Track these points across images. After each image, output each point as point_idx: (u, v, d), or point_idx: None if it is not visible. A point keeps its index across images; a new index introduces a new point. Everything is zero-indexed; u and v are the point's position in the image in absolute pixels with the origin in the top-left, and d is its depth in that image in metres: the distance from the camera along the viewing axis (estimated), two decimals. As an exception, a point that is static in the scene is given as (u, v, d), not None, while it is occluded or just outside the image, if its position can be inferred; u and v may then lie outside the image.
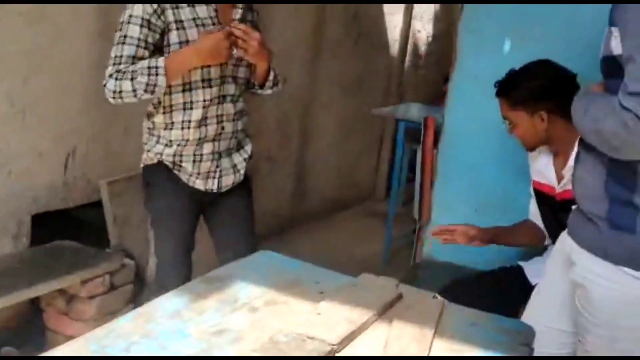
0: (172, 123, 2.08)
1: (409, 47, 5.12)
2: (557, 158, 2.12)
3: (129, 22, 1.94)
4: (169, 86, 2.01)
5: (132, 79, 1.91)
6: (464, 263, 2.57)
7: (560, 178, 2.09)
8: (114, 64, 1.94)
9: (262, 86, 2.22)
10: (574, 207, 1.64)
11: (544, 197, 2.18)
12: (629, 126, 1.29)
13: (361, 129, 4.88)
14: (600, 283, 1.47)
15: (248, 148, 2.29)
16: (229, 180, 2.22)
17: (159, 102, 2.07)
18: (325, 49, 4.36)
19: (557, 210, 2.09)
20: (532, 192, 2.24)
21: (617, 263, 1.44)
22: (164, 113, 2.08)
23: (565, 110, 1.62)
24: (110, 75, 1.94)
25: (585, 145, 1.52)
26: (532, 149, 2.14)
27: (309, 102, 4.36)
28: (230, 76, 2.11)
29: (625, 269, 1.43)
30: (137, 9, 1.95)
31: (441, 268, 2.60)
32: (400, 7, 4.91)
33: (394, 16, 4.90)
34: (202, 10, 2.02)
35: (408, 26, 4.96)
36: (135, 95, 1.94)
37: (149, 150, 2.15)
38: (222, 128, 2.14)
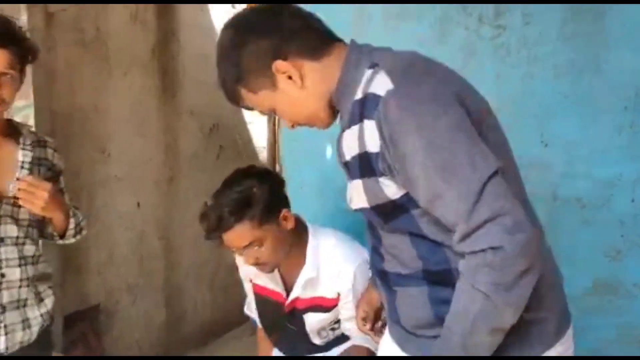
0: None
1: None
2: (285, 265, 2.04)
3: None
4: None
5: None
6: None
7: (289, 287, 2.06)
8: None
9: (62, 236, 2.00)
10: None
11: (269, 304, 2.12)
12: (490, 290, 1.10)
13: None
14: None
15: (49, 301, 1.99)
16: (16, 338, 1.90)
17: None
18: (184, 165, 4.18)
19: (285, 320, 2.07)
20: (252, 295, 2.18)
21: None
22: None
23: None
24: None
25: None
26: (273, 269, 2.00)
27: (171, 220, 4.11)
28: (8, 216, 1.85)
29: None
30: None
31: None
32: (262, 116, 4.84)
33: (255, 125, 4.83)
34: None
35: (273, 132, 4.88)
36: None
37: None
38: (2, 275, 1.85)
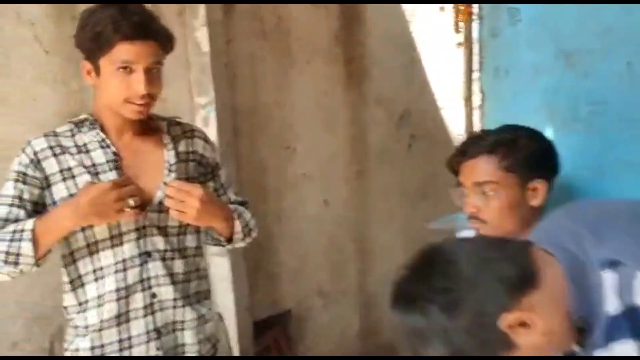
0: (86, 302, 1.58)
1: (477, 140, 4.48)
2: None
3: (7, 179, 1.55)
4: (71, 252, 1.56)
5: None
6: None
7: None
8: None
9: (229, 240, 1.71)
10: None
11: None
12: None
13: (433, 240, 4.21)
14: None
15: (210, 326, 1.71)
16: None
17: (68, 278, 1.59)
18: (373, 158, 3.83)
19: None
20: None
21: None
22: (73, 290, 1.59)
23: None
24: None
25: None
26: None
27: (362, 221, 3.79)
28: (154, 226, 1.60)
29: None
30: (16, 161, 1.56)
31: None
32: (458, 99, 4.33)
33: (449, 110, 4.33)
34: (98, 155, 1.58)
35: (470, 118, 4.35)
36: (0, 270, 1.49)
37: (66, 349, 1.64)
38: (153, 296, 1.60)
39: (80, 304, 1.58)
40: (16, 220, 1.51)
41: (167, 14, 2.68)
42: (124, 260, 1.57)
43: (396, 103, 4.01)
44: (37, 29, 2.22)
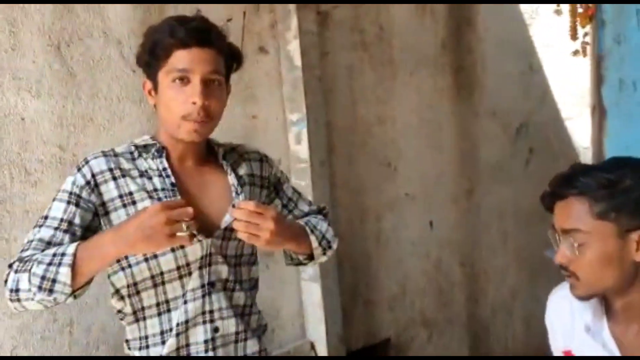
0: (147, 337, 1.45)
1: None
2: (616, 319, 1.35)
3: (54, 199, 1.42)
4: (134, 283, 1.43)
5: (30, 270, 1.30)
6: None
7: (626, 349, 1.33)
8: (22, 250, 1.37)
9: (310, 257, 1.57)
10: None
11: None
12: None
13: (552, 267, 3.81)
14: None
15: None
16: None
17: (131, 309, 1.46)
18: (485, 176, 3.53)
19: None
20: None
21: None
22: (136, 321, 1.46)
23: None
24: (11, 265, 1.34)
25: None
26: (588, 296, 1.33)
27: (472, 243, 3.49)
28: (218, 254, 1.45)
29: None
30: (69, 181, 1.42)
31: None
32: (584, 109, 3.91)
33: (574, 121, 3.92)
34: (159, 181, 1.44)
35: (599, 129, 3.90)
36: (33, 297, 1.30)
37: None
38: (216, 330, 1.46)
39: (141, 338, 1.46)
40: (61, 244, 1.36)
41: (258, 26, 2.57)
42: (188, 292, 1.44)
43: (512, 115, 3.68)
44: (123, 48, 2.18)
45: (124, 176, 1.42)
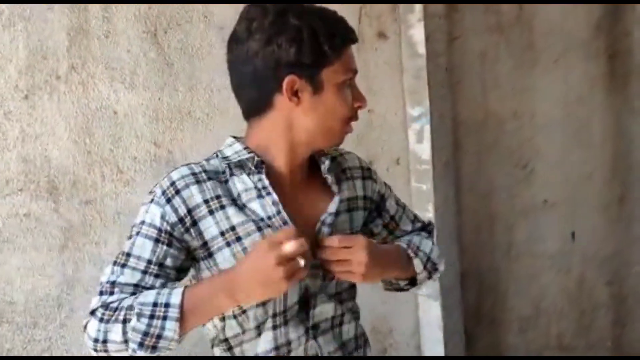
0: None
1: None
2: None
3: (137, 232, 1.16)
4: (225, 339, 1.20)
5: (124, 322, 1.09)
6: None
7: None
8: (102, 293, 1.15)
9: (412, 282, 1.36)
10: None
11: None
12: None
13: None
14: None
15: None
16: None
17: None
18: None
19: None
20: None
21: None
22: None
23: None
24: (94, 312, 1.13)
25: None
26: None
27: (622, 259, 3.00)
28: (321, 292, 1.22)
29: None
30: (155, 210, 1.14)
31: None
32: None
33: None
34: (260, 205, 1.17)
35: None
36: (127, 349, 1.10)
37: None
38: None
39: None
40: (150, 288, 1.15)
41: (378, 8, 2.27)
42: (288, 343, 1.20)
43: (678, 109, 3.11)
44: (226, 33, 1.96)
45: (222, 207, 1.16)
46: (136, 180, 1.87)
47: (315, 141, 1.19)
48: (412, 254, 1.30)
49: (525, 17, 2.63)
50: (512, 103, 2.62)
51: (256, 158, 1.17)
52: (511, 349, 2.67)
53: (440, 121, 2.33)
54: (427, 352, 2.42)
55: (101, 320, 1.11)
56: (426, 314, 2.39)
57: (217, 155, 1.23)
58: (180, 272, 1.18)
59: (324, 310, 1.22)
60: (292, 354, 1.20)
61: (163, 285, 1.14)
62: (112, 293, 1.14)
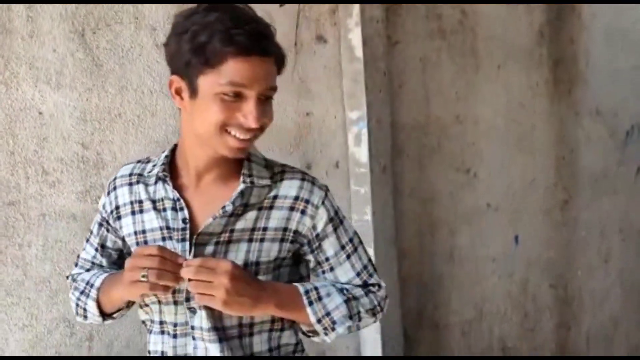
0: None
1: None
2: None
3: (98, 210, 1.35)
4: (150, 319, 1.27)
5: (73, 292, 1.33)
6: None
7: None
8: (75, 265, 1.39)
9: (305, 332, 1.27)
10: None
11: None
12: None
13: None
14: None
15: None
16: None
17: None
18: (584, 187, 3.06)
19: None
20: None
21: None
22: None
23: None
24: (68, 278, 1.39)
25: None
26: None
27: (566, 263, 3.04)
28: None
29: None
30: (102, 197, 1.32)
31: None
32: None
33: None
34: (175, 217, 1.19)
35: None
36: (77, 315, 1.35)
37: None
38: None
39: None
40: (101, 266, 1.34)
41: (316, 11, 2.28)
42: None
43: (621, 115, 3.18)
44: (158, 35, 1.96)
45: (141, 211, 1.23)
46: (62, 182, 1.84)
47: (206, 147, 1.15)
48: (306, 302, 1.19)
49: (468, 23, 2.66)
50: (455, 108, 2.64)
51: (162, 171, 1.21)
52: (454, 352, 2.68)
53: (378, 125, 2.33)
54: (366, 355, 2.42)
55: (70, 288, 1.34)
56: (365, 318, 2.39)
57: (159, 157, 1.28)
58: (122, 253, 1.32)
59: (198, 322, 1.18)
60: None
61: (112, 264, 1.32)
62: (76, 265, 1.36)
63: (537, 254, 2.92)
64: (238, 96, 1.09)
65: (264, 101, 1.12)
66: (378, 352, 2.37)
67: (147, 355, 1.27)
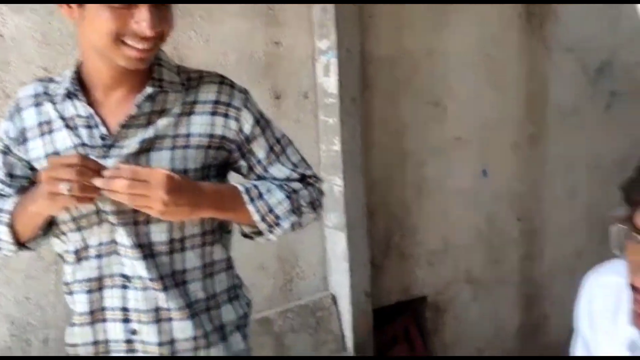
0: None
1: None
2: None
3: None
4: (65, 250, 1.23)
5: None
6: None
7: None
8: None
9: (247, 234, 1.27)
10: None
11: None
12: None
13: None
14: None
15: None
16: None
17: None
18: (554, 122, 3.09)
19: None
20: None
21: None
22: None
23: None
24: None
25: None
26: None
27: (533, 196, 3.10)
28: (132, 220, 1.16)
29: None
30: (3, 123, 1.24)
31: None
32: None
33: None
34: (91, 134, 1.17)
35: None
36: None
37: None
38: (133, 332, 1.20)
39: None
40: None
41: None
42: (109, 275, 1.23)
43: (593, 51, 3.18)
44: None
45: (50, 132, 1.18)
46: (26, 107, 1.84)
47: (107, 59, 1.11)
48: (247, 200, 1.18)
49: (441, -48, 2.63)
50: (426, 41, 2.63)
51: (72, 86, 1.17)
52: (419, 281, 2.76)
53: (348, 55, 2.33)
54: (333, 283, 2.49)
55: None
56: (332, 246, 2.45)
57: (62, 75, 1.23)
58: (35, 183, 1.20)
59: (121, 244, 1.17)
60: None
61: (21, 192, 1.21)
62: None
63: (504, 188, 2.98)
64: (128, 2, 1.04)
65: (161, 7, 1.08)
66: (346, 279, 2.44)
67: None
